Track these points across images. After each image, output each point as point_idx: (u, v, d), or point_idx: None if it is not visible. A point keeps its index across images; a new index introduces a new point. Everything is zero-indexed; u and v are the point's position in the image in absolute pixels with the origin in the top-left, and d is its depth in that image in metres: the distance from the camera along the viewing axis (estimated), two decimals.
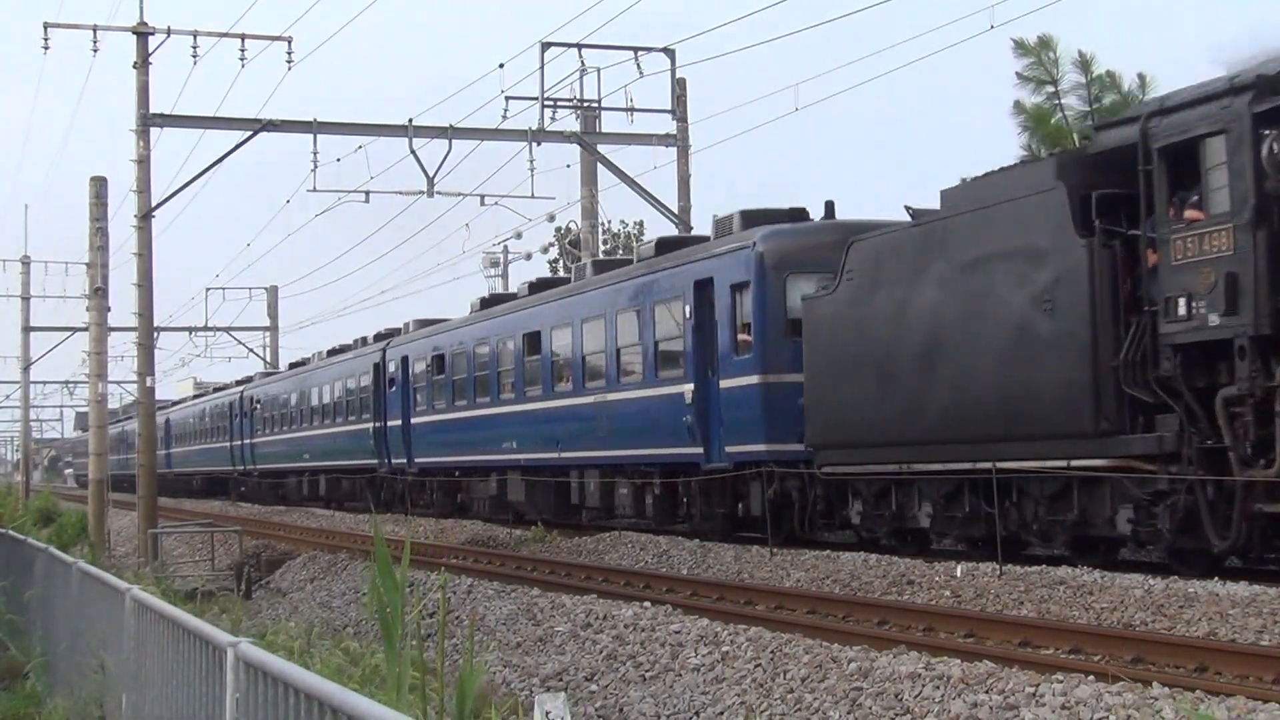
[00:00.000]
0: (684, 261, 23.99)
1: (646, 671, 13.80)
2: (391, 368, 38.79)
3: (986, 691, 10.62)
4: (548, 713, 9.42)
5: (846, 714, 11.24)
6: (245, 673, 6.05)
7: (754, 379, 21.82)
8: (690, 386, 23.33)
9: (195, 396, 71.56)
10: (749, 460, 22.07)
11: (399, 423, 37.93)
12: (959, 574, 16.34)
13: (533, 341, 29.71)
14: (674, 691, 12.89)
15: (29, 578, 16.84)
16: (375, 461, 39.92)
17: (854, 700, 11.38)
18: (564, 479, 28.75)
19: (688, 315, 23.49)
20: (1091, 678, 10.48)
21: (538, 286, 31.35)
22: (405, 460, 37.49)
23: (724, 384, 22.55)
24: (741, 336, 22.19)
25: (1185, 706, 9.54)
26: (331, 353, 47.02)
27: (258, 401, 54.77)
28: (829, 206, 23.08)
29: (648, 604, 16.31)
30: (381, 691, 9.23)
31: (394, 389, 38.36)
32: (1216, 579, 14.21)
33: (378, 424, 39.48)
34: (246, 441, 56.38)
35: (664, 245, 25.85)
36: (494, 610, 18.30)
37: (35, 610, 16.25)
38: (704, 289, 23.18)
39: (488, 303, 34.31)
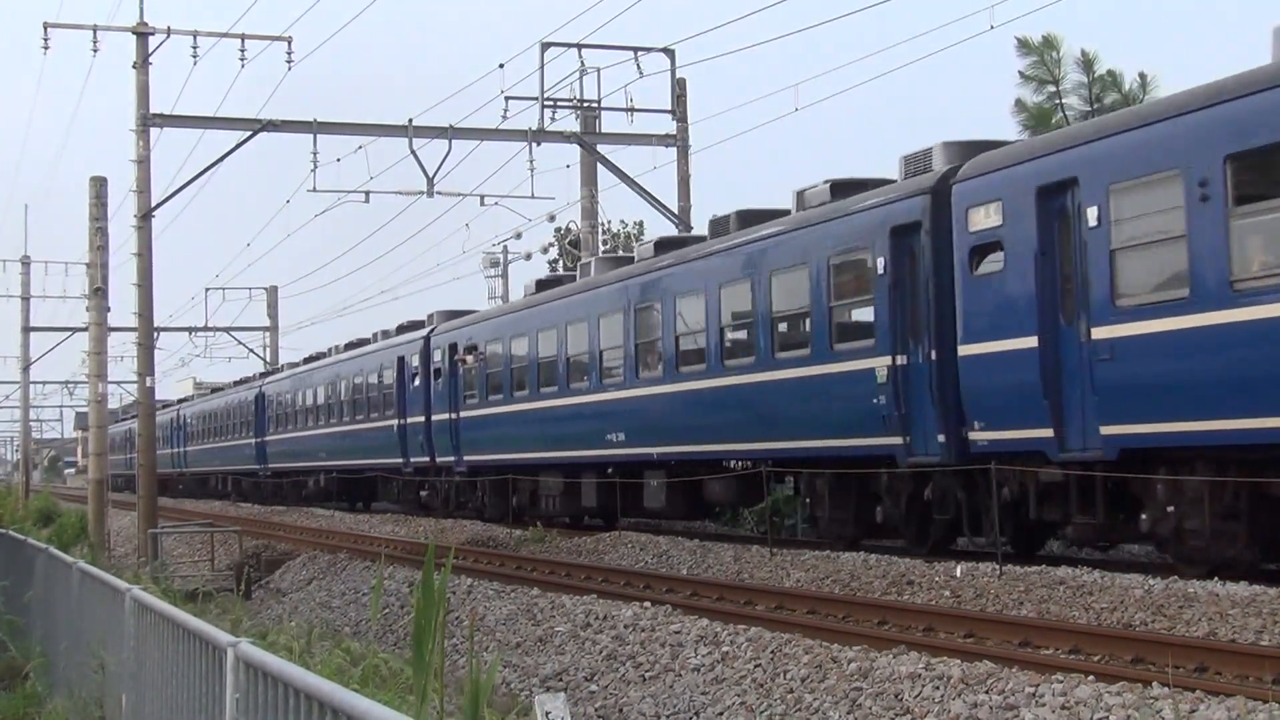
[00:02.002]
0: None
1: (646, 671, 13.81)
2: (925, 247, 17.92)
3: (986, 691, 10.62)
4: (548, 713, 9.41)
5: (846, 714, 11.25)
6: (245, 673, 6.05)
7: None
8: None
9: (308, 360, 49.33)
10: None
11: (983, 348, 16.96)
12: (959, 574, 16.34)
13: None
14: (674, 691, 12.89)
15: (29, 578, 16.84)
16: (891, 440, 18.52)
17: (854, 700, 11.39)
18: None
19: None
20: (1091, 678, 10.48)
21: None
22: (942, 436, 17.66)
23: None
24: None
25: (1185, 706, 9.54)
26: (666, 245, 25.61)
27: (474, 351, 32.37)
28: None
29: (648, 604, 16.32)
30: (382, 691, 9.24)
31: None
32: (1216, 579, 14.20)
33: (893, 361, 18.43)
34: (443, 418, 33.82)
35: None
36: (494, 610, 18.30)
37: (35, 610, 16.25)
38: None
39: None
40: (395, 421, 36.97)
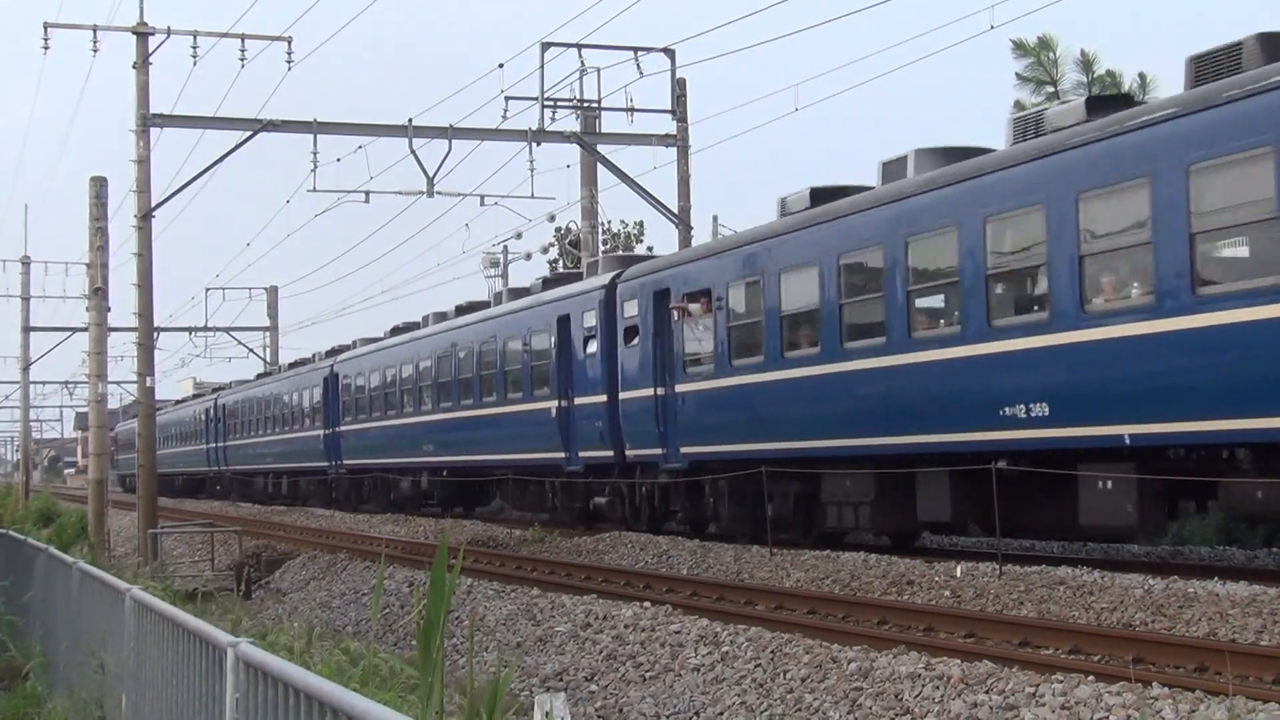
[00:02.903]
0: None
1: (646, 671, 13.81)
2: None
3: (986, 691, 10.62)
4: (548, 713, 9.42)
5: (846, 714, 11.24)
6: (245, 673, 6.05)
7: None
8: None
9: (397, 331, 39.70)
10: None
11: None
12: (959, 574, 16.35)
13: None
14: (674, 691, 12.89)
15: (29, 578, 16.85)
16: None
17: (854, 700, 11.39)
18: None
19: None
20: (1091, 678, 10.49)
21: None
22: None
23: None
24: None
25: (1185, 706, 9.55)
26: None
27: (705, 298, 22.80)
28: None
29: (648, 604, 16.32)
30: (382, 691, 9.24)
31: None
32: (1216, 579, 14.21)
33: None
34: (640, 395, 24.60)
35: None
36: (494, 610, 18.30)
37: (35, 610, 16.26)
38: None
39: None
40: (553, 403, 27.56)
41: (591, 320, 26.32)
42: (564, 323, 27.49)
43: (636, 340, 24.75)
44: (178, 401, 72.43)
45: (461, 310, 35.11)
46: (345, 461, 41.94)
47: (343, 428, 41.79)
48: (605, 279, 26.27)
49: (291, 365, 51.00)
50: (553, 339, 27.83)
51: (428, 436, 34.86)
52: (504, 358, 30.55)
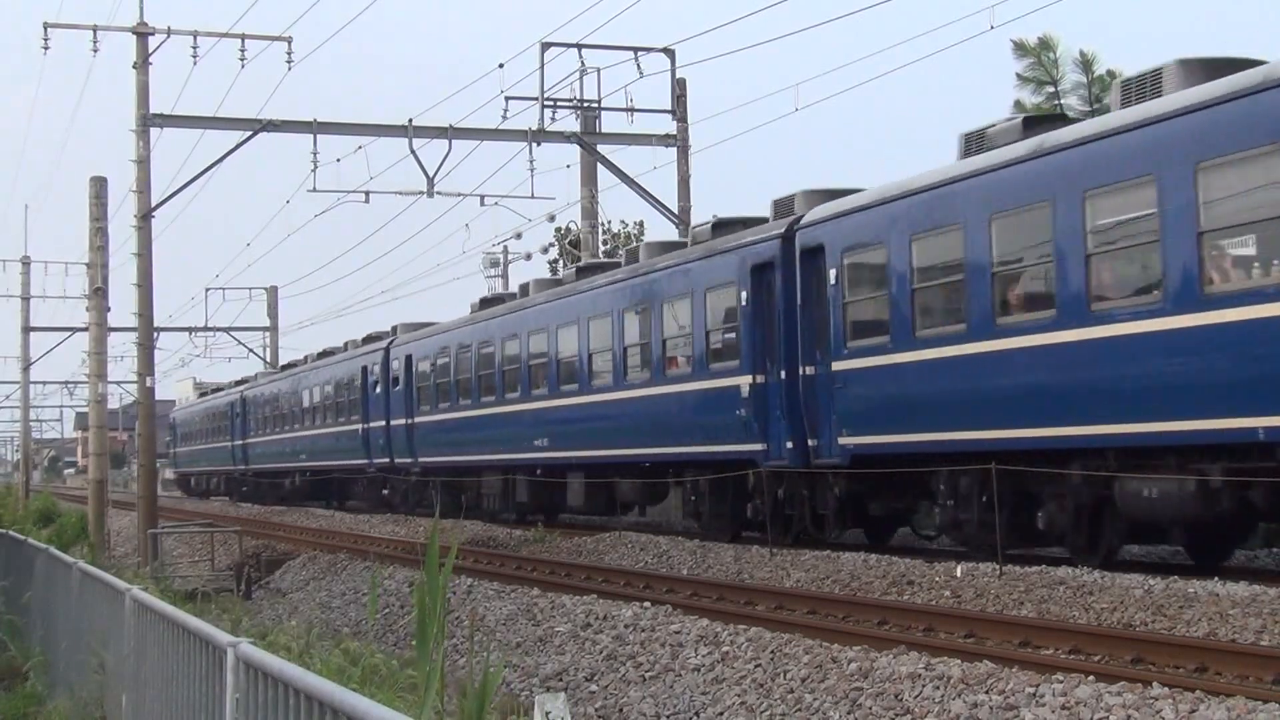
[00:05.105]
0: None
1: (646, 671, 13.81)
2: None
3: (986, 691, 10.62)
4: (548, 713, 9.41)
5: (846, 714, 11.25)
6: (245, 673, 6.06)
7: None
8: None
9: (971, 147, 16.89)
10: None
11: None
12: (959, 574, 16.35)
13: None
14: (674, 691, 12.89)
15: (29, 578, 16.85)
16: None
17: (854, 700, 11.39)
18: None
19: None
20: (1091, 678, 10.48)
21: None
22: None
23: None
24: None
25: (1185, 706, 9.55)
26: None
27: None
28: None
29: (648, 604, 16.31)
30: (381, 691, 9.24)
31: None
32: (1216, 579, 14.21)
33: None
34: None
35: None
36: (494, 610, 18.30)
37: (35, 610, 16.26)
38: None
39: None
40: None
41: None
42: None
43: None
44: (286, 366, 53.72)
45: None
46: (863, 438, 19.34)
47: (844, 364, 19.58)
48: None
49: (590, 266, 29.17)
50: None
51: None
52: None
